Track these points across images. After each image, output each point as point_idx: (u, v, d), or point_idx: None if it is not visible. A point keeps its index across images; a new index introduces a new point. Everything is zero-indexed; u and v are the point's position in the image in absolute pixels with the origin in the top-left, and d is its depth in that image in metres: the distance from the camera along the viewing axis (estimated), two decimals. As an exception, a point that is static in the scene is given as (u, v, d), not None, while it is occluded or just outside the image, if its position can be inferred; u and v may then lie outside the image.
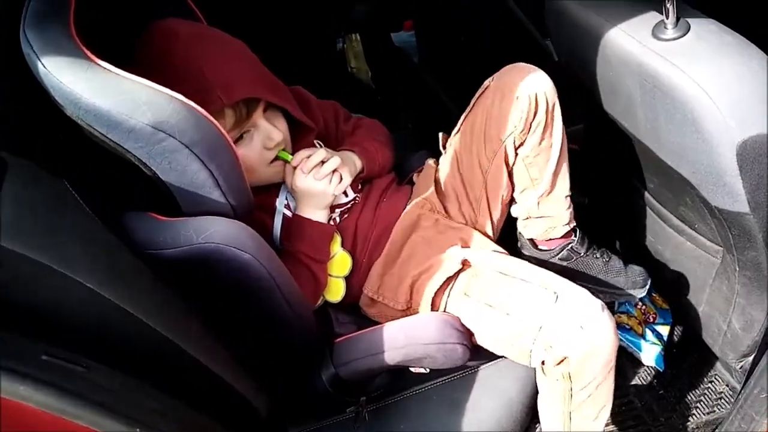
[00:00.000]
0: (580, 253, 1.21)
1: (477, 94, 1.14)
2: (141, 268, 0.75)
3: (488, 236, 1.17)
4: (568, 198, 1.18)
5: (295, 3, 2.10)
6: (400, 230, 1.15)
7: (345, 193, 1.18)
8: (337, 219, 1.17)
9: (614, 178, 1.44)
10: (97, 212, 0.77)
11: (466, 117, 1.16)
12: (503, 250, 1.14)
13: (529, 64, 1.11)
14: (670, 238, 1.30)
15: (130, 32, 0.97)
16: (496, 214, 1.18)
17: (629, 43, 1.00)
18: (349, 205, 1.19)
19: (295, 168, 1.09)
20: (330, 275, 1.11)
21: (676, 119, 0.96)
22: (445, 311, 1.05)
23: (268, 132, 1.05)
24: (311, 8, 2.11)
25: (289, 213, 1.13)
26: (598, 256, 1.24)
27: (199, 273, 0.84)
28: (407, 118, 1.79)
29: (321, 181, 1.08)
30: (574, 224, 1.21)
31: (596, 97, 1.19)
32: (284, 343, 0.97)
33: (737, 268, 1.11)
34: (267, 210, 1.11)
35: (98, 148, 0.79)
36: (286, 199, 1.14)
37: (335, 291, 1.12)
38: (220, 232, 0.82)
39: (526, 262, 1.10)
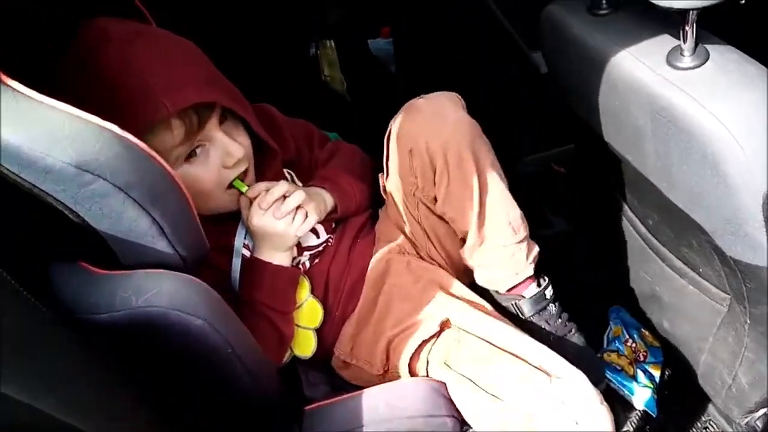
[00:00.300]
0: (524, 314, 1.07)
1: (386, 137, 1.01)
2: (75, 358, 0.60)
3: (464, 276, 1.05)
4: (512, 246, 1.02)
5: (264, 3, 1.96)
6: (371, 281, 1.02)
7: (316, 234, 1.04)
8: (307, 263, 1.03)
9: (605, 208, 1.33)
10: (16, 265, 0.63)
11: (386, 161, 1.03)
12: (483, 303, 1.01)
13: (437, 97, 0.98)
14: (669, 280, 1.19)
15: (58, 41, 0.81)
16: (456, 256, 1.05)
17: (640, 69, 0.89)
18: (320, 248, 1.05)
19: (252, 201, 0.95)
20: (298, 326, 0.97)
21: (693, 159, 0.85)
22: (427, 377, 0.92)
23: (226, 146, 0.91)
24: (281, 9, 1.96)
25: (247, 253, 0.99)
26: (552, 323, 1.09)
27: (139, 339, 0.70)
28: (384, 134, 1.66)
29: (281, 220, 0.93)
30: (528, 274, 1.06)
31: (593, 123, 1.08)
32: (241, 411, 0.83)
33: (748, 321, 1.00)
34: (223, 249, 0.97)
35: (13, 188, 0.64)
36: (246, 237, 0.99)
37: (305, 345, 0.98)
38: (166, 293, 0.68)
39: (511, 325, 0.98)
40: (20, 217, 0.67)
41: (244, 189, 0.94)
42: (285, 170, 1.07)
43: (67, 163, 0.59)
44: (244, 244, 0.99)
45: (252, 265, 0.96)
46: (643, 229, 1.22)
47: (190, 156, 0.89)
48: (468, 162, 0.92)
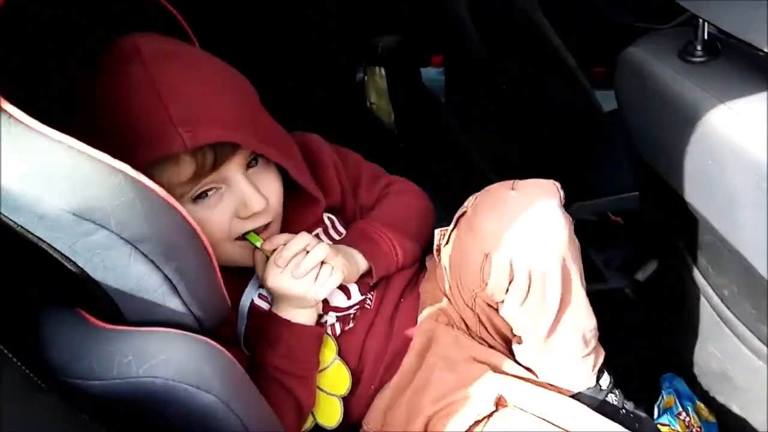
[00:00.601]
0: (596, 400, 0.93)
1: (458, 213, 0.86)
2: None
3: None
4: (578, 358, 0.87)
5: (313, 26, 1.89)
6: (415, 350, 0.88)
7: (346, 294, 0.90)
8: (337, 328, 0.90)
9: (670, 270, 1.19)
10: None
11: (452, 230, 0.88)
12: (546, 384, 0.88)
13: (531, 190, 0.80)
14: (745, 360, 1.04)
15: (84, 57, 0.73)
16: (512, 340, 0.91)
17: (743, 128, 0.76)
18: (353, 311, 0.91)
19: (269, 256, 0.81)
20: (321, 390, 0.85)
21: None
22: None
23: (245, 196, 0.78)
24: (331, 33, 1.88)
25: (265, 306, 0.86)
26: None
27: (137, 413, 0.59)
28: (431, 170, 1.55)
29: (301, 281, 0.80)
30: (590, 384, 0.91)
31: (672, 179, 0.95)
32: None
33: None
34: (234, 305, 0.84)
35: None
36: (258, 289, 0.87)
37: (329, 413, 0.86)
38: (172, 362, 0.58)
39: (570, 400, 0.86)
40: (7, 255, 0.58)
41: (259, 243, 0.82)
42: (326, 215, 0.95)
43: (64, 210, 0.49)
44: (260, 294, 0.87)
45: (268, 321, 0.84)
46: (716, 299, 1.07)
47: (200, 196, 0.77)
48: (554, 279, 0.78)
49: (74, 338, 0.60)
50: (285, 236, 0.82)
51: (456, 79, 1.69)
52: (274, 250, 0.81)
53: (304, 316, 0.83)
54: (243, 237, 0.82)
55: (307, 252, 0.81)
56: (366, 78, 1.83)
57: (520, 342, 0.86)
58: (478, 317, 0.87)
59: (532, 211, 0.77)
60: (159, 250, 0.55)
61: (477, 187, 1.51)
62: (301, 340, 0.82)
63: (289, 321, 0.82)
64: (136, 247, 0.53)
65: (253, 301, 0.86)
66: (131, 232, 0.52)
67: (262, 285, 0.85)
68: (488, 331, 0.88)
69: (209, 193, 0.77)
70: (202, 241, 0.60)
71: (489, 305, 0.85)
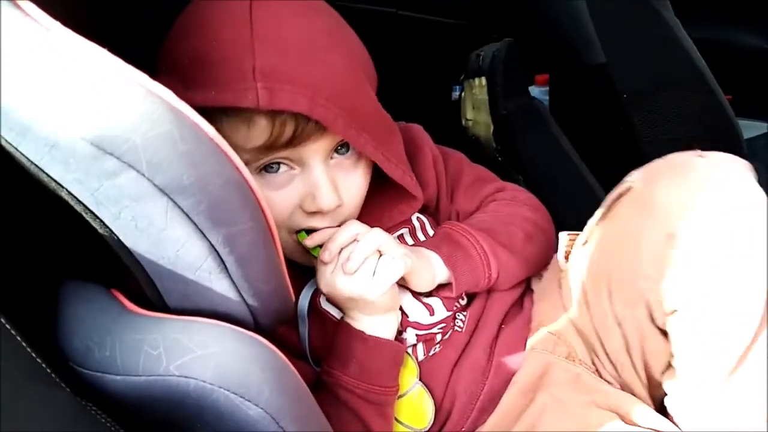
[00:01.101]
0: None
1: (614, 194, 0.68)
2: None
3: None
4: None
5: (415, 38, 1.80)
6: (519, 385, 0.70)
7: (429, 309, 0.74)
8: (420, 352, 0.74)
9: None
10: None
11: (597, 224, 0.70)
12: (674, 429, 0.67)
13: (729, 159, 0.63)
14: None
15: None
16: (657, 377, 0.70)
17: None
18: (437, 330, 0.74)
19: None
20: (397, 421, 0.70)
21: None
22: None
23: (316, 188, 0.65)
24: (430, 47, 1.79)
25: (336, 314, 0.72)
26: None
27: (163, 418, 0.46)
28: (533, 188, 1.39)
29: (355, 277, 0.65)
30: None
31: None
32: None
33: None
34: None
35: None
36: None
37: (405, 451, 0.70)
38: (212, 360, 0.44)
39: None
40: (27, 213, 0.47)
41: (303, 237, 0.68)
42: (417, 215, 0.80)
43: (80, 137, 0.37)
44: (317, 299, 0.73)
45: (338, 332, 0.69)
46: None
47: (268, 168, 0.65)
48: (758, 278, 0.58)
49: (98, 322, 0.48)
50: (328, 231, 0.68)
51: (564, 93, 1.52)
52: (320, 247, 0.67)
53: (381, 327, 0.68)
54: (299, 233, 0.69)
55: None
56: (463, 95, 1.71)
57: (678, 378, 0.65)
58: (625, 340, 0.67)
59: (730, 183, 0.60)
60: (203, 208, 0.42)
61: (588, 206, 1.31)
62: (377, 356, 0.67)
63: (362, 333, 0.67)
64: (174, 201, 0.41)
65: (318, 302, 0.72)
66: (167, 177, 0.40)
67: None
68: (633, 365, 0.69)
69: (280, 168, 0.65)
70: (261, 208, 0.47)
71: (651, 320, 0.64)
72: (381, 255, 0.66)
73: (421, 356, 0.73)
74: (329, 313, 0.72)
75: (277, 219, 0.64)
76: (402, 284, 0.71)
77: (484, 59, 1.51)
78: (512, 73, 1.43)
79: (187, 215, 0.42)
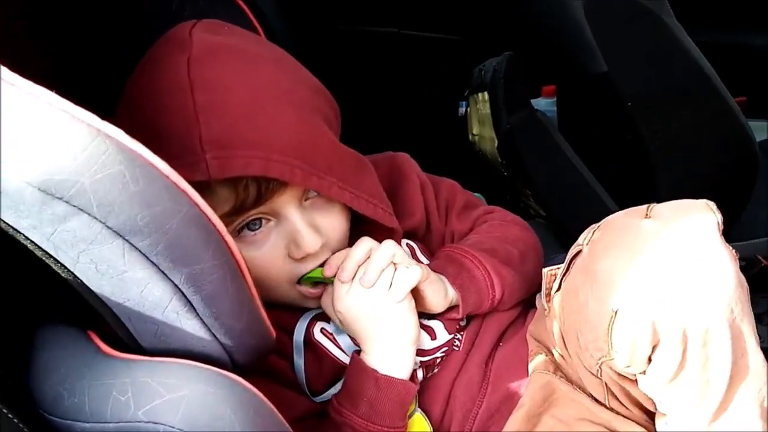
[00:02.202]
0: None
1: (570, 253, 0.65)
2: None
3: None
4: None
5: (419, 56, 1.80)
6: (524, 412, 0.67)
7: (430, 334, 0.73)
8: (419, 374, 0.72)
9: None
10: None
11: (563, 276, 0.66)
12: None
13: (678, 216, 0.58)
14: None
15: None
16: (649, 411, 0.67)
17: None
18: (439, 354, 0.73)
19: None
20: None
21: None
22: None
23: (296, 234, 0.64)
24: (440, 61, 1.78)
25: (326, 342, 0.71)
26: None
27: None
28: (540, 202, 1.36)
29: (373, 290, 0.64)
30: None
31: None
32: None
33: None
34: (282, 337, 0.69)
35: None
36: (318, 320, 0.72)
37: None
38: (182, 404, 0.43)
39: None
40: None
41: (319, 274, 0.67)
42: (405, 241, 0.79)
43: (25, 181, 0.36)
44: (322, 329, 0.71)
45: (350, 367, 0.67)
46: None
47: (244, 229, 0.65)
48: (721, 340, 0.56)
49: (71, 367, 0.47)
50: (343, 253, 0.67)
51: (570, 104, 1.50)
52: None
53: (395, 363, 0.66)
54: (305, 280, 0.68)
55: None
56: (468, 110, 1.70)
57: (668, 422, 0.63)
58: (606, 387, 0.65)
59: (680, 246, 0.55)
60: (161, 248, 0.41)
61: (597, 218, 1.28)
62: (388, 397, 0.65)
63: (374, 372, 0.65)
64: (130, 242, 0.40)
65: (312, 334, 0.70)
66: (120, 219, 0.39)
67: (323, 316, 0.70)
68: (621, 403, 0.66)
69: (256, 225, 0.65)
70: (226, 243, 0.45)
71: (621, 375, 0.62)
72: (396, 267, 0.66)
73: (420, 378, 0.72)
74: (322, 344, 0.70)
75: (270, 275, 0.65)
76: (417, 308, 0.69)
77: (485, 74, 1.50)
78: (514, 87, 1.41)
79: (146, 256, 0.41)
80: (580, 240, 0.64)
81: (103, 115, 0.40)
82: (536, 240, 0.86)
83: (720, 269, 0.55)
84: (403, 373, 0.66)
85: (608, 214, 1.12)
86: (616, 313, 0.56)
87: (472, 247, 0.76)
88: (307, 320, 0.70)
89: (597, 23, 1.18)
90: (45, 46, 0.56)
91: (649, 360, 0.57)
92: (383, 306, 0.65)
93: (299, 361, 0.69)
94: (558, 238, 1.31)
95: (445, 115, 1.81)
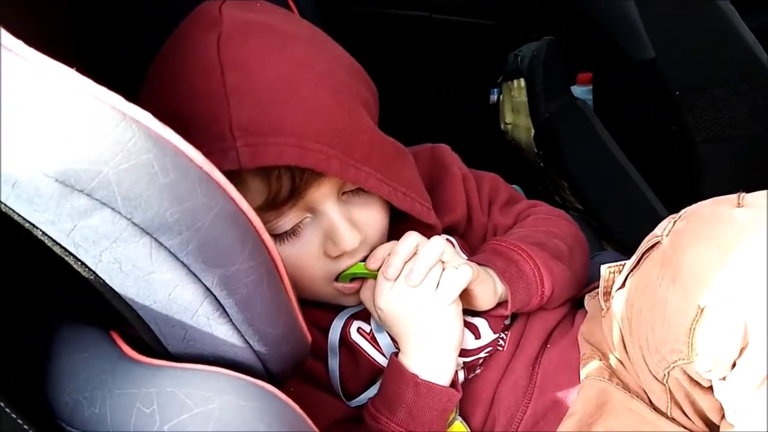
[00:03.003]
0: None
1: (644, 245, 0.59)
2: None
3: None
4: None
5: (450, 41, 1.74)
6: (575, 420, 0.62)
7: (475, 333, 0.68)
8: (461, 375, 0.67)
9: None
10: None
11: (630, 273, 0.61)
12: None
13: None
14: None
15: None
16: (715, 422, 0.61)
17: None
18: (483, 354, 0.69)
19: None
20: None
21: None
22: None
23: (333, 232, 0.60)
24: (472, 47, 1.72)
25: (365, 346, 0.67)
26: None
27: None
28: (579, 195, 1.30)
29: (419, 289, 0.60)
30: None
31: None
32: None
33: None
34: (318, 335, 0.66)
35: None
36: (355, 319, 0.67)
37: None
38: (212, 418, 0.39)
39: None
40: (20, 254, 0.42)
41: (359, 270, 0.63)
42: (444, 237, 0.74)
43: (43, 172, 0.32)
44: (359, 329, 0.67)
45: (389, 371, 0.63)
46: None
47: (284, 232, 0.61)
48: None
49: (92, 373, 0.43)
50: (388, 245, 0.63)
51: (609, 93, 1.43)
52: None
53: (437, 368, 0.62)
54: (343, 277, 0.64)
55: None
56: (501, 98, 1.64)
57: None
58: (670, 394, 0.60)
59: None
60: (193, 248, 0.36)
61: (638, 213, 1.20)
62: (428, 405, 0.60)
63: (414, 377, 0.60)
64: (158, 241, 0.35)
65: (348, 333, 0.66)
66: (148, 214, 0.34)
67: (360, 315, 0.66)
68: (683, 412, 0.61)
69: (294, 228, 0.61)
70: (264, 243, 0.41)
71: (693, 381, 0.57)
72: (444, 265, 0.62)
73: (461, 379, 0.67)
74: (358, 345, 0.66)
75: (304, 273, 0.61)
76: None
77: (522, 60, 1.43)
78: (553, 73, 1.35)
79: (175, 256, 0.36)
80: (657, 231, 0.58)
81: (128, 98, 0.36)
82: (582, 236, 0.81)
83: None
84: (445, 379, 0.62)
85: (649, 209, 1.04)
86: (702, 310, 0.51)
87: (519, 241, 0.71)
88: (344, 319, 0.66)
89: (645, 7, 1.12)
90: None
91: (733, 365, 0.52)
92: (429, 307, 0.60)
93: (334, 362, 0.65)
94: (595, 232, 1.25)
95: (475, 103, 1.76)
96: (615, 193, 1.26)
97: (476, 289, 0.65)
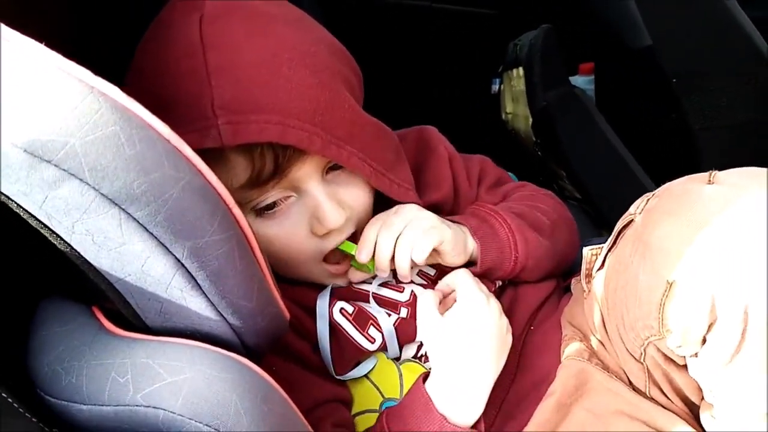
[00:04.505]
0: None
1: (619, 224, 0.61)
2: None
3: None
4: None
5: (452, 30, 1.74)
6: (554, 401, 0.63)
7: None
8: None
9: None
10: None
11: (608, 252, 0.62)
12: None
13: (741, 182, 0.53)
14: None
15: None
16: (695, 402, 0.62)
17: None
18: None
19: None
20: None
21: None
22: None
23: (318, 210, 0.61)
24: (473, 36, 1.72)
25: (344, 322, 0.67)
26: None
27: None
28: (576, 183, 1.30)
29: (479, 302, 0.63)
30: None
31: None
32: None
33: None
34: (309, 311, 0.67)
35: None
36: (338, 299, 0.68)
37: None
38: (184, 388, 0.40)
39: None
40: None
41: (350, 250, 0.65)
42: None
43: (12, 143, 0.33)
44: (342, 310, 0.67)
45: (415, 395, 0.62)
46: None
47: (266, 208, 0.61)
48: None
49: (71, 344, 0.44)
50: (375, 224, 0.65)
51: (610, 82, 1.43)
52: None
53: (469, 407, 0.61)
54: (335, 254, 0.66)
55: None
56: (502, 87, 1.64)
57: (715, 415, 0.57)
58: (648, 373, 0.60)
59: (748, 214, 0.50)
60: (161, 219, 0.37)
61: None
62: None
63: (443, 419, 0.59)
64: (127, 212, 0.36)
65: (331, 312, 0.67)
66: (115, 185, 0.35)
67: (342, 294, 0.67)
68: (662, 391, 0.61)
69: (278, 202, 0.61)
70: (232, 214, 0.42)
71: (668, 359, 0.57)
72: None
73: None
74: (341, 326, 0.67)
75: (292, 253, 0.62)
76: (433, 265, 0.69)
77: (521, 48, 1.43)
78: (551, 62, 1.35)
79: (144, 227, 0.37)
80: (631, 209, 0.59)
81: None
82: (569, 213, 0.82)
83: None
84: (472, 420, 0.61)
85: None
86: (671, 285, 0.51)
87: (499, 208, 0.73)
88: (327, 298, 0.66)
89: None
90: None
91: (704, 341, 0.52)
92: (493, 329, 0.63)
93: (324, 343, 0.65)
94: (593, 221, 1.25)
95: (477, 93, 1.75)
96: (613, 182, 1.25)
97: (444, 244, 0.66)
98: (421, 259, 0.63)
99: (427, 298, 0.66)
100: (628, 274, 0.56)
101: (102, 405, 0.40)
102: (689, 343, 0.52)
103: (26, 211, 0.37)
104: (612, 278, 0.59)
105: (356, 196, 0.65)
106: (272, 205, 0.61)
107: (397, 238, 0.64)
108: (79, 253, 0.40)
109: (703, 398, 0.59)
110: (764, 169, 0.55)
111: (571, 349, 0.65)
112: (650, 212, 0.55)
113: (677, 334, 0.52)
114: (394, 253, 0.64)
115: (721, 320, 0.50)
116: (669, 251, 0.51)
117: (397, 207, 0.67)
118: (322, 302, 0.66)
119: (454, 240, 0.66)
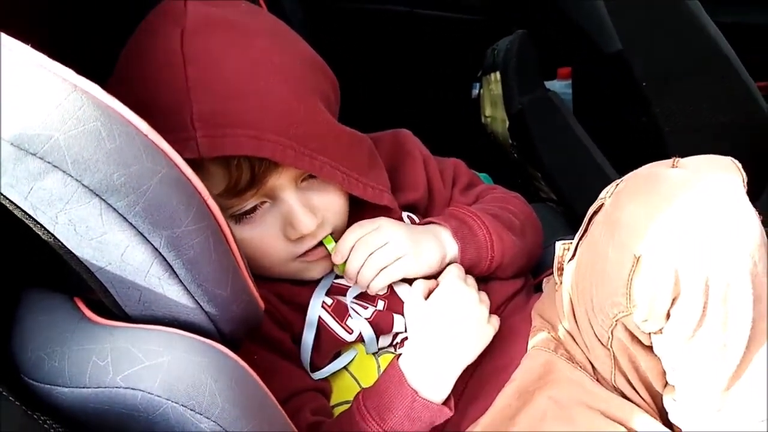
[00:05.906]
0: None
1: (590, 210, 0.64)
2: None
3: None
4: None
5: (432, 36, 1.77)
6: (515, 388, 0.66)
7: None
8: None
9: None
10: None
11: (580, 239, 0.65)
12: None
13: (700, 166, 0.57)
14: None
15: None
16: (657, 394, 0.65)
17: None
18: None
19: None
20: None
21: None
22: None
23: (291, 215, 0.64)
24: (453, 42, 1.75)
25: (327, 317, 0.70)
26: None
27: (113, 430, 0.44)
28: (552, 186, 1.33)
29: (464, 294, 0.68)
30: None
31: None
32: None
33: None
34: (297, 307, 0.69)
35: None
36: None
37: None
38: (161, 371, 0.42)
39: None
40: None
41: (332, 248, 0.69)
42: (406, 214, 0.78)
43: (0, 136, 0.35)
44: (322, 303, 0.70)
45: (388, 374, 0.66)
46: None
47: (245, 213, 0.65)
48: (742, 296, 0.53)
49: (54, 332, 0.46)
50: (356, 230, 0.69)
51: (585, 86, 1.47)
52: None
53: (438, 385, 0.64)
54: (317, 248, 0.69)
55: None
56: (482, 92, 1.67)
57: (677, 397, 0.61)
58: (615, 360, 0.63)
59: (709, 194, 0.53)
60: (140, 209, 0.40)
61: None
62: (420, 420, 0.63)
63: (414, 393, 0.63)
64: (107, 202, 0.39)
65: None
66: (96, 177, 0.38)
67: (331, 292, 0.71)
68: (627, 379, 0.64)
69: (254, 209, 0.65)
70: (207, 206, 0.44)
71: (634, 339, 0.60)
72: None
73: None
74: (321, 319, 0.69)
75: (266, 255, 0.66)
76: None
77: (498, 53, 1.47)
78: (527, 66, 1.38)
79: (124, 217, 0.40)
80: (601, 195, 0.62)
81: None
82: (535, 216, 0.86)
83: (746, 222, 0.53)
84: (442, 396, 0.64)
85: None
86: (638, 259, 0.54)
87: (476, 209, 0.77)
88: (321, 299, 0.70)
89: (613, 2, 1.15)
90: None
91: (668, 316, 0.55)
92: (474, 318, 0.66)
93: (308, 336, 0.68)
94: (568, 221, 1.28)
95: (458, 98, 1.79)
96: (586, 183, 1.28)
97: (408, 275, 0.70)
98: (377, 288, 0.68)
99: (416, 286, 0.69)
100: (597, 254, 0.59)
101: (83, 387, 0.43)
102: (655, 317, 0.55)
103: (12, 202, 0.40)
104: (583, 262, 0.62)
105: (330, 201, 0.68)
106: (250, 211, 0.64)
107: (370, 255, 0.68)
108: (62, 243, 0.42)
109: (666, 383, 0.62)
110: (723, 157, 0.59)
111: (538, 339, 0.68)
112: (618, 194, 0.59)
113: (643, 308, 0.55)
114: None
115: (684, 294, 0.53)
116: (636, 227, 0.54)
117: (380, 223, 0.70)
118: (313, 311, 0.69)
119: (417, 268, 0.70)
